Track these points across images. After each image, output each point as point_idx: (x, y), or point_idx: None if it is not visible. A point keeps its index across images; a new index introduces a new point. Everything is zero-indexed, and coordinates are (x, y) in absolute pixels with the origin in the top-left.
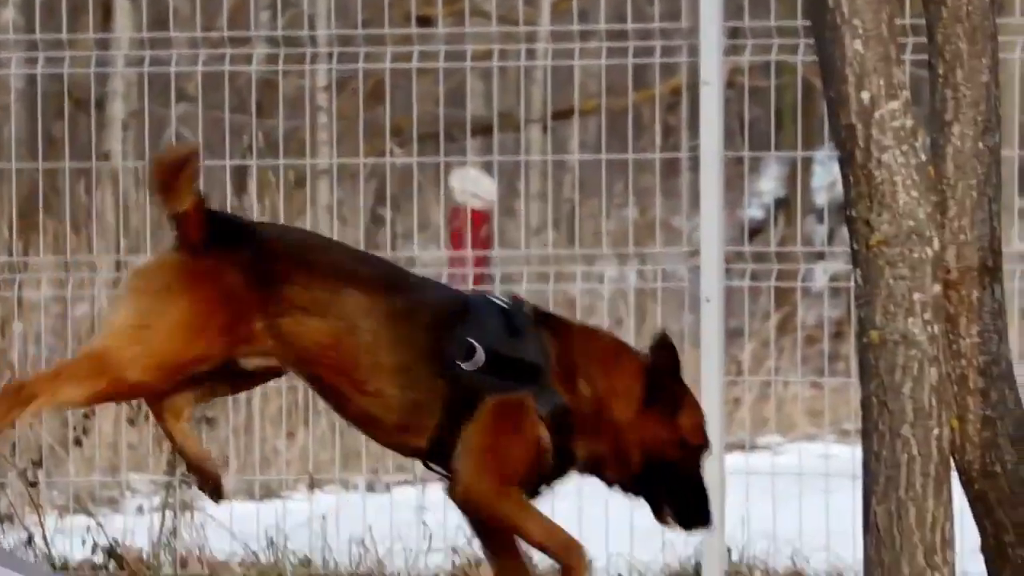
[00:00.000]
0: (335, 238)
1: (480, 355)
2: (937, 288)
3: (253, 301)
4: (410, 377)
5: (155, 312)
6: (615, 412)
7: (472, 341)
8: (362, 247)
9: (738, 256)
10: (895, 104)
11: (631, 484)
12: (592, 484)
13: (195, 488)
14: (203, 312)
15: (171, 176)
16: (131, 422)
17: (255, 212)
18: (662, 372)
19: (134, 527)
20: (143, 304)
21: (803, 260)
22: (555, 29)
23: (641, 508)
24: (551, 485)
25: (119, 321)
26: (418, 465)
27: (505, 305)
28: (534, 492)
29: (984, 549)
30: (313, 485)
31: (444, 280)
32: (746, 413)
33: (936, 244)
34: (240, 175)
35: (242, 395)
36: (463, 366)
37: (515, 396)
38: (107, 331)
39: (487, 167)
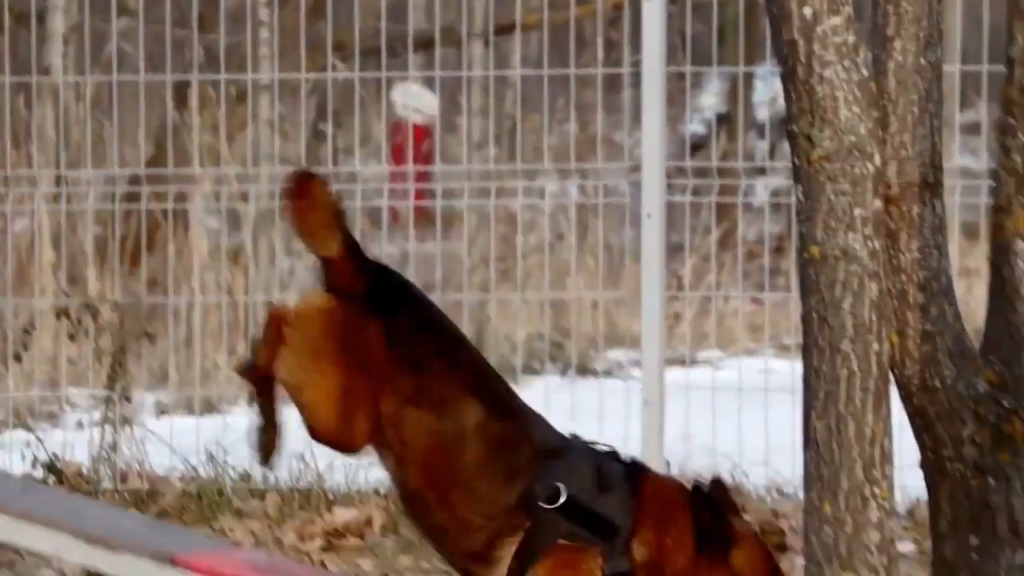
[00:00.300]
0: (277, 154)
1: (563, 499)
2: (878, 204)
3: (389, 373)
4: (496, 507)
5: (307, 378)
6: (669, 570)
7: (559, 485)
8: (303, 162)
9: (679, 171)
10: (837, 20)
11: None
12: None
13: (134, 403)
14: (352, 389)
15: (312, 214)
16: (71, 337)
17: (195, 127)
18: (709, 514)
19: (74, 442)
20: (294, 361)
21: (744, 175)
22: None
23: (581, 420)
24: None
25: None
26: None
27: (606, 457)
28: None
29: (923, 464)
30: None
31: (385, 194)
32: (686, 328)
33: (877, 160)
34: (181, 90)
35: (182, 310)
36: (545, 507)
37: (586, 549)
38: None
39: (429, 82)
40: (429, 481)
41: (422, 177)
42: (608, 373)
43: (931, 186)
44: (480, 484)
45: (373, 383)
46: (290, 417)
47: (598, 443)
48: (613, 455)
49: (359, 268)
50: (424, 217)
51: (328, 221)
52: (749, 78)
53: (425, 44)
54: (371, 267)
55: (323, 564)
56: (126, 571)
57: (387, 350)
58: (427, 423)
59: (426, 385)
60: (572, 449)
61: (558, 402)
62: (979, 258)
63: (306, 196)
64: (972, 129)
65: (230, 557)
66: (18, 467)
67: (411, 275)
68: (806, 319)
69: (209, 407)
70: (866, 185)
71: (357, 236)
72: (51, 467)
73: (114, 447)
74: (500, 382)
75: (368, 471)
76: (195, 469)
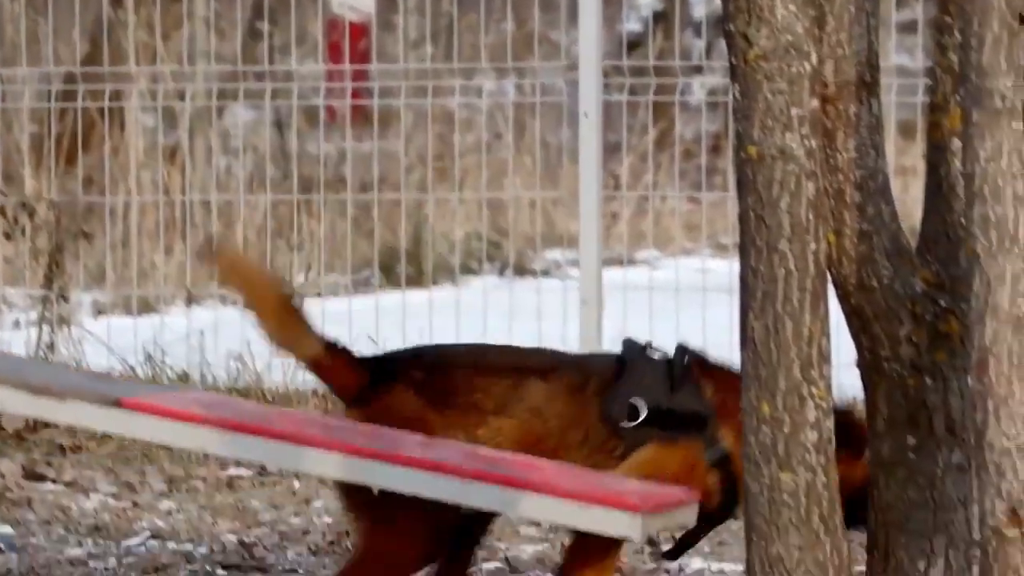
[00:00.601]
0: (213, 53)
1: (643, 412)
2: (815, 103)
3: (444, 424)
4: (592, 446)
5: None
6: None
7: (635, 402)
8: (239, 62)
9: (616, 70)
10: None
11: None
12: (471, 298)
13: (71, 302)
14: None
15: (273, 315)
16: (7, 236)
17: (131, 25)
18: None
19: (11, 341)
20: None
21: (681, 74)
22: None
23: (519, 320)
24: (714, 527)
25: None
26: (296, 279)
27: (663, 357)
28: (698, 535)
29: (860, 363)
30: (191, 300)
31: (322, 92)
32: (624, 228)
33: (814, 59)
34: None
35: (118, 209)
36: (631, 426)
37: (685, 445)
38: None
39: None
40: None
41: (359, 76)
42: (546, 273)
43: (868, 85)
44: (572, 436)
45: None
46: (230, 317)
47: (646, 344)
48: (674, 351)
49: (349, 362)
50: (361, 116)
51: (296, 322)
52: None
53: None
54: (361, 358)
55: (261, 463)
56: (72, 418)
57: (423, 404)
58: (500, 424)
59: (480, 399)
60: (631, 363)
61: (496, 302)
62: (915, 157)
63: (266, 301)
64: (908, 28)
65: (177, 396)
66: None
67: (348, 174)
68: (743, 219)
69: (146, 307)
70: (803, 84)
71: (294, 136)
72: None
73: (51, 347)
74: (540, 350)
75: (306, 372)
76: (133, 369)
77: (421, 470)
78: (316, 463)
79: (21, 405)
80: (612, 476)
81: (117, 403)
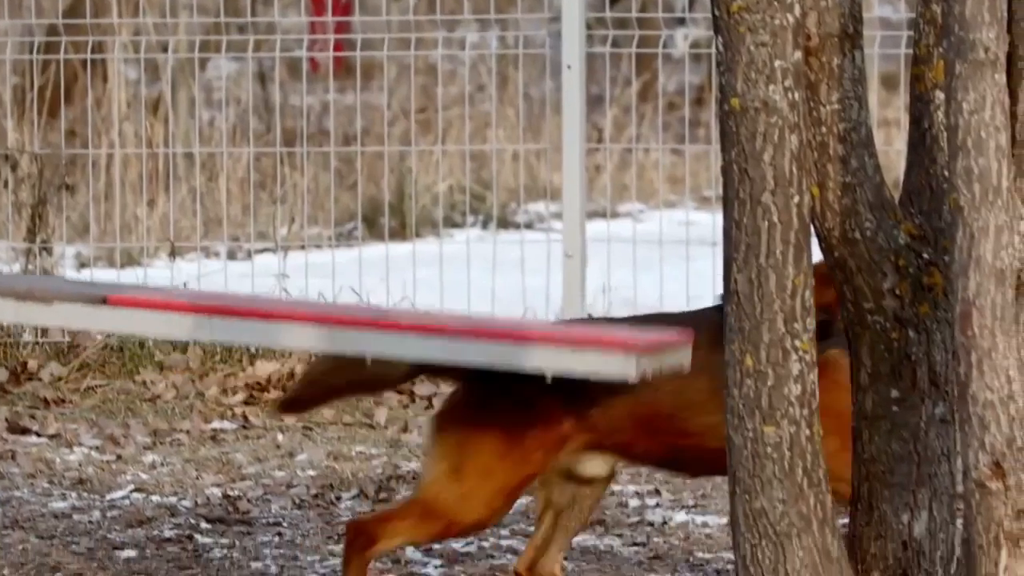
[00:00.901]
0: (195, 4)
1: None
2: (798, 55)
3: (549, 400)
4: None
5: (466, 453)
6: None
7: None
8: (222, 14)
9: (599, 22)
10: None
11: None
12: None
13: (55, 255)
14: (508, 436)
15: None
16: None
17: None
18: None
19: None
20: (450, 448)
21: (664, 26)
22: None
23: (503, 273)
24: None
25: (437, 469)
26: (279, 232)
27: None
28: None
29: (843, 316)
30: (174, 252)
31: (305, 44)
32: (607, 180)
33: (797, 10)
34: None
35: (101, 161)
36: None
37: (827, 356)
38: (429, 479)
39: None
40: (655, 432)
41: (341, 28)
42: (529, 226)
43: (851, 37)
44: (696, 395)
45: (531, 417)
46: (213, 269)
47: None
48: None
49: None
50: (343, 68)
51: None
52: None
53: None
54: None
55: (245, 417)
56: (60, 320)
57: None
58: (613, 397)
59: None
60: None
61: (479, 254)
62: (899, 109)
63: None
64: None
65: (163, 291)
66: None
67: (331, 126)
68: (726, 171)
69: (130, 259)
70: (786, 36)
71: (276, 88)
72: None
73: None
74: (649, 315)
75: None
76: None
77: (417, 333)
78: (309, 339)
79: (9, 313)
80: (605, 326)
81: (104, 300)
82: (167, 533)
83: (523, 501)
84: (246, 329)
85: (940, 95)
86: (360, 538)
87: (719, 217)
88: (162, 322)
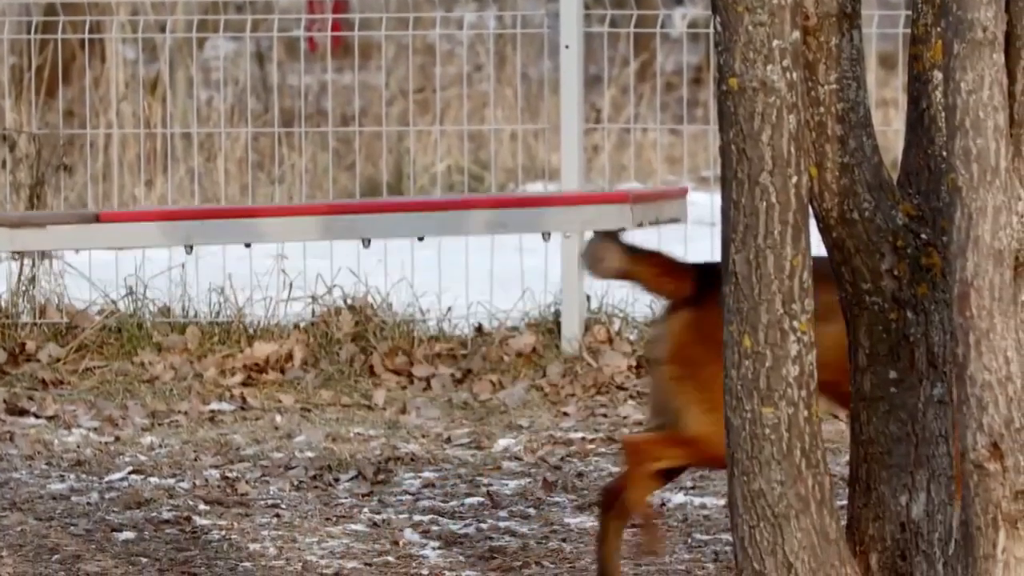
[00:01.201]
0: None
1: None
2: (796, 34)
3: None
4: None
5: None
6: None
7: None
8: None
9: (597, 2)
10: None
11: None
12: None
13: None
14: None
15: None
16: None
17: None
18: None
19: None
20: (703, 382)
21: (662, 6)
22: None
23: (501, 253)
24: None
25: (696, 407)
26: None
27: None
28: None
29: (841, 297)
30: None
31: (303, 24)
32: (605, 160)
33: None
34: None
35: (100, 141)
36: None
37: None
38: (688, 417)
39: None
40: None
41: (339, 7)
42: None
43: (849, 16)
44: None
45: None
46: (211, 251)
47: None
48: None
49: (674, 269)
50: (341, 48)
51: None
52: None
53: None
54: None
55: (243, 398)
56: (54, 242)
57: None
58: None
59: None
60: None
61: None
62: (897, 89)
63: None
64: None
65: (155, 208)
66: None
67: (329, 106)
68: (724, 151)
69: None
70: (784, 16)
71: (274, 68)
72: None
73: (33, 281)
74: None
75: (288, 306)
76: (114, 303)
77: (418, 211)
78: (313, 230)
79: (4, 242)
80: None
81: (96, 218)
82: (165, 515)
83: (520, 483)
84: (240, 227)
85: (938, 75)
86: (638, 454)
87: (717, 198)
88: (158, 232)
